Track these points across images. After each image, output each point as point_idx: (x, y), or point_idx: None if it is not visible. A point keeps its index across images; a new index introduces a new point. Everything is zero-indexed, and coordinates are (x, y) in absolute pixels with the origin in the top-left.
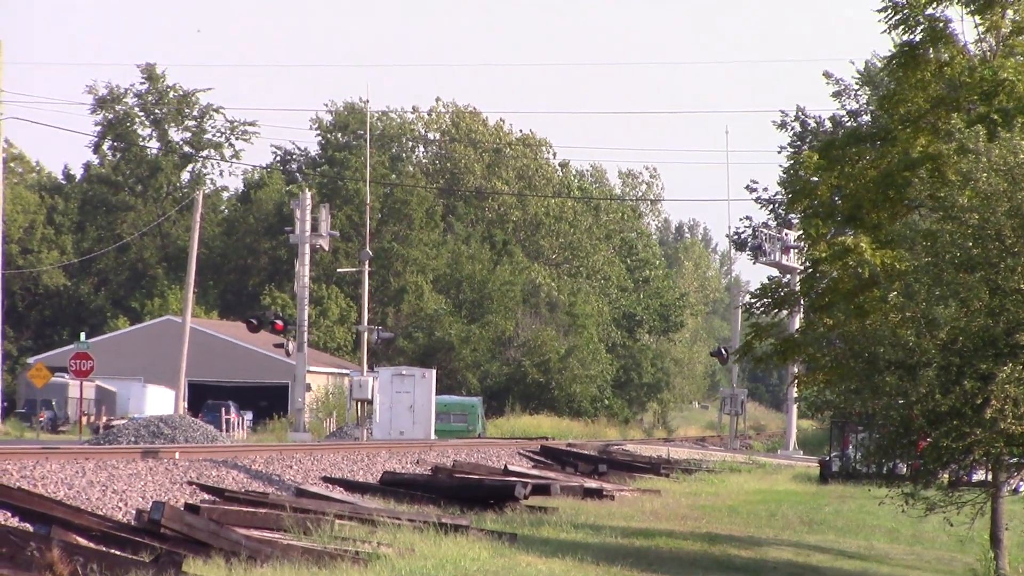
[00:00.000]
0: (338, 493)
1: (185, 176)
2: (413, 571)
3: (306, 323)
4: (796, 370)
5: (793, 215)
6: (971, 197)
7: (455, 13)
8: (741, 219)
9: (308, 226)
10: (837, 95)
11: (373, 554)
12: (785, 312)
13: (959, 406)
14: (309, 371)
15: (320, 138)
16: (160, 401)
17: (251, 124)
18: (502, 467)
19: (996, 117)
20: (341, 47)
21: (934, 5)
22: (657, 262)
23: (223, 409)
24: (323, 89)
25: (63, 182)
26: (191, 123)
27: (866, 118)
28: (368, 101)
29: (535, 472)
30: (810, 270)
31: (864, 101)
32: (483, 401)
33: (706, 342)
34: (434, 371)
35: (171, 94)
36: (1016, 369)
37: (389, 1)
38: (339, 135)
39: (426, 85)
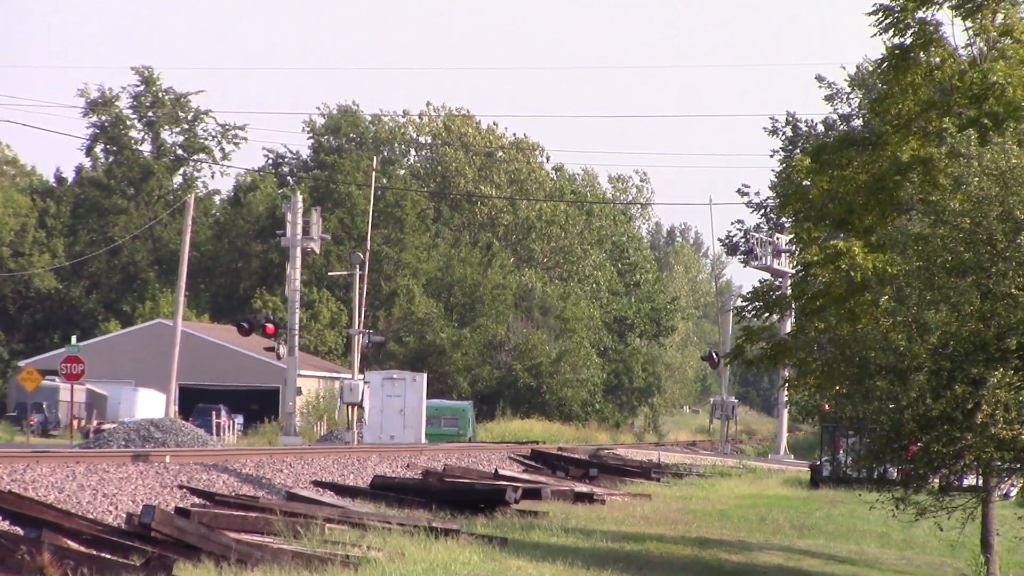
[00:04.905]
0: (328, 497)
1: (177, 180)
2: (403, 575)
3: (297, 327)
4: (787, 374)
5: (785, 219)
6: (963, 201)
7: (448, 16)
8: (733, 223)
9: (299, 229)
10: (829, 98)
11: (363, 558)
12: (776, 316)
13: (950, 411)
14: (300, 375)
15: (312, 141)
16: (151, 404)
17: (241, 128)
18: (493, 471)
19: (986, 121)
20: (333, 50)
21: (924, 8)
22: (648, 266)
23: (214, 413)
24: (315, 92)
25: (55, 185)
26: (183, 126)
27: (858, 122)
28: (373, 126)
29: (526, 476)
30: (801, 274)
31: (856, 105)
32: (474, 405)
33: (697, 346)
34: (425, 375)
35: (166, 97)
36: (1007, 374)
37: (382, 4)
38: (331, 138)
39: (418, 88)
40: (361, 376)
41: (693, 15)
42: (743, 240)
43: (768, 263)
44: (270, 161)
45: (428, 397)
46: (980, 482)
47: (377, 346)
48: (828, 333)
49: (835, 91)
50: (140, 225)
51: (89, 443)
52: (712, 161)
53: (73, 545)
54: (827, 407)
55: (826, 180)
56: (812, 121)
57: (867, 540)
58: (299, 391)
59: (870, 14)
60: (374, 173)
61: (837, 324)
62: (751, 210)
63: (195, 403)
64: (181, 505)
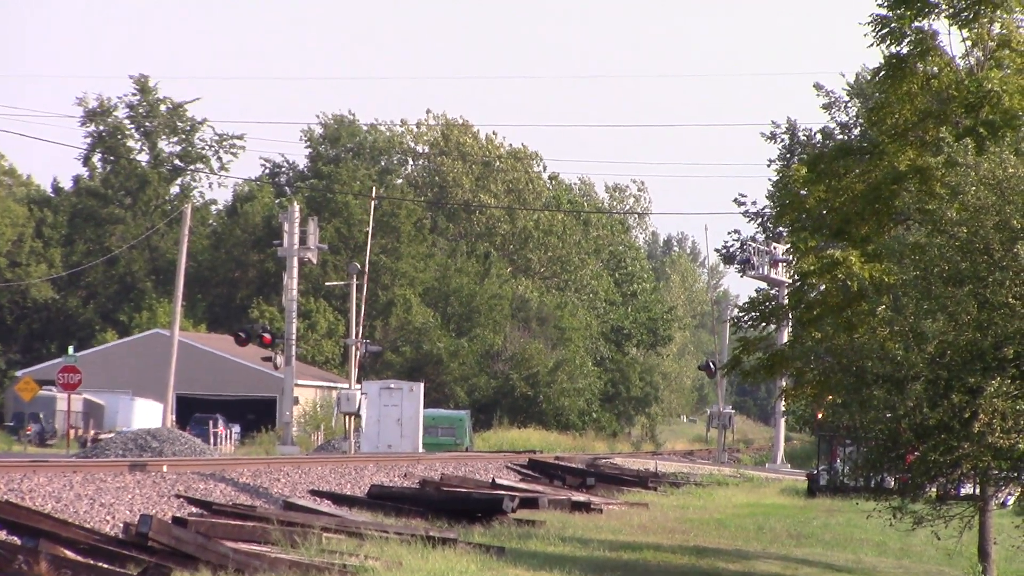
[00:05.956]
0: (326, 506)
1: (174, 189)
2: None
3: (294, 336)
4: (784, 384)
5: (781, 228)
6: (959, 211)
7: (445, 26)
8: (730, 232)
9: (296, 239)
10: (827, 107)
11: (360, 567)
12: (773, 326)
13: (947, 420)
14: (297, 384)
15: (310, 151)
16: (148, 414)
17: (238, 137)
18: (490, 480)
19: (982, 130)
20: (331, 60)
21: (921, 18)
22: (645, 276)
23: (211, 422)
24: (313, 102)
25: (52, 195)
26: (181, 136)
27: (857, 131)
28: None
29: (523, 485)
30: (798, 283)
31: (854, 113)
32: (471, 414)
33: (694, 356)
34: (422, 384)
35: (162, 107)
36: (1004, 383)
37: (380, 13)
38: (329, 148)
39: (416, 98)
40: (358, 386)
41: (691, 24)
42: (740, 250)
43: (765, 273)
44: (267, 171)
45: (425, 406)
46: (977, 491)
47: (374, 356)
48: (825, 343)
49: (833, 100)
50: (137, 235)
51: (86, 453)
52: (710, 171)
53: (70, 555)
54: (820, 415)
55: (823, 190)
56: (810, 130)
57: (864, 549)
58: (296, 401)
59: (868, 24)
60: (373, 189)
61: (834, 334)
62: (748, 220)
63: (192, 413)
64: (178, 515)
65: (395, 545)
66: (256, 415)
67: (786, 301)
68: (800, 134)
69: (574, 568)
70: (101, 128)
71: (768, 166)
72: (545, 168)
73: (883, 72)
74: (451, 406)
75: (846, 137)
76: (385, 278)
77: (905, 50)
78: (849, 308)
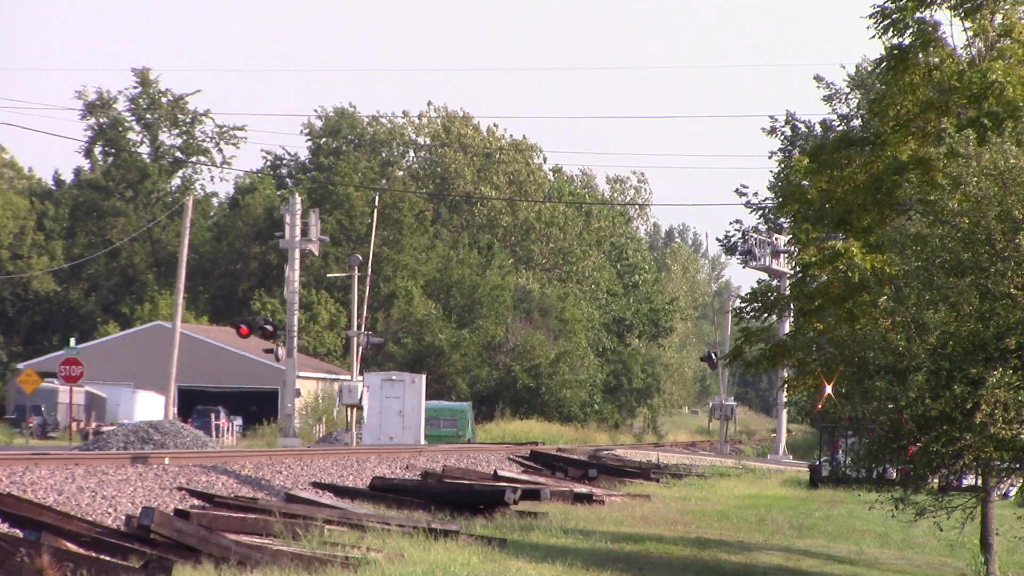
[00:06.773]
0: (328, 498)
1: (175, 182)
2: None
3: (296, 328)
4: (786, 374)
5: (783, 219)
6: (961, 201)
7: (446, 18)
8: (731, 223)
9: (298, 231)
10: (828, 99)
11: (362, 559)
12: (775, 317)
13: (949, 411)
14: (299, 376)
15: (311, 143)
16: (150, 406)
17: (239, 129)
18: (492, 472)
19: (986, 121)
20: (332, 52)
21: (923, 8)
22: (647, 267)
23: (213, 414)
24: (313, 94)
25: (53, 187)
26: (182, 128)
27: (857, 122)
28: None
29: (525, 477)
30: (800, 274)
31: (855, 105)
32: (473, 406)
33: (696, 347)
34: (424, 376)
35: (163, 99)
36: (1006, 374)
37: (381, 5)
38: (330, 140)
39: (417, 90)
40: (360, 377)
41: (691, 16)
42: (742, 240)
43: (767, 264)
44: (268, 163)
45: (427, 398)
46: (979, 482)
47: (376, 347)
48: (827, 334)
49: (834, 91)
50: (139, 227)
51: (88, 445)
52: (710, 162)
53: (72, 547)
54: (820, 406)
55: (824, 180)
56: (811, 122)
57: (866, 540)
58: (298, 393)
59: (869, 17)
60: (377, 193)
61: (836, 324)
62: (750, 211)
63: (194, 405)
64: (180, 507)
65: (397, 537)
66: (258, 407)
67: (788, 292)
68: (800, 125)
69: (576, 560)
70: (102, 121)
71: (769, 158)
72: (546, 160)
73: (885, 63)
74: (453, 398)
75: (846, 128)
76: (387, 270)
77: (907, 41)
78: (851, 299)
